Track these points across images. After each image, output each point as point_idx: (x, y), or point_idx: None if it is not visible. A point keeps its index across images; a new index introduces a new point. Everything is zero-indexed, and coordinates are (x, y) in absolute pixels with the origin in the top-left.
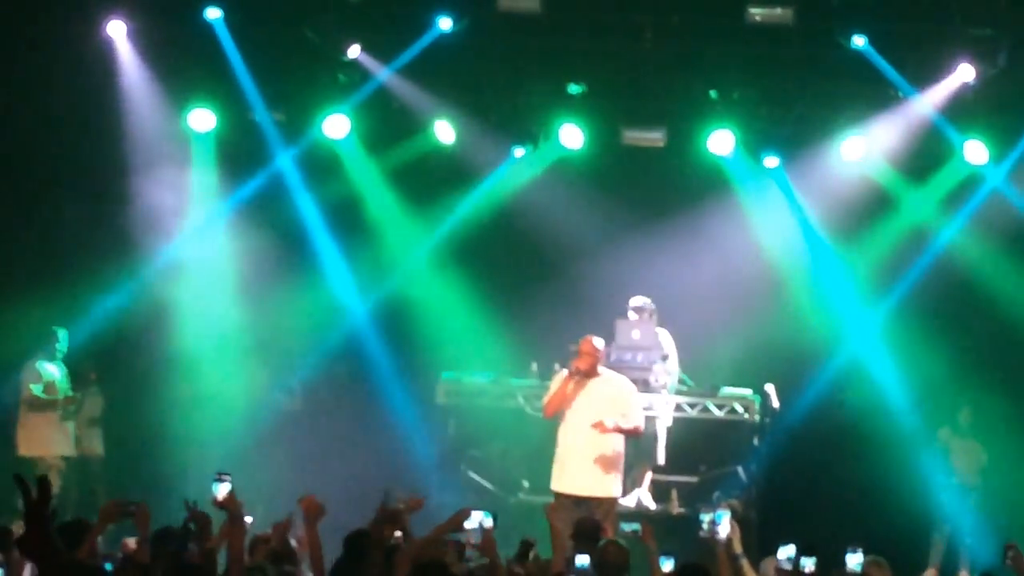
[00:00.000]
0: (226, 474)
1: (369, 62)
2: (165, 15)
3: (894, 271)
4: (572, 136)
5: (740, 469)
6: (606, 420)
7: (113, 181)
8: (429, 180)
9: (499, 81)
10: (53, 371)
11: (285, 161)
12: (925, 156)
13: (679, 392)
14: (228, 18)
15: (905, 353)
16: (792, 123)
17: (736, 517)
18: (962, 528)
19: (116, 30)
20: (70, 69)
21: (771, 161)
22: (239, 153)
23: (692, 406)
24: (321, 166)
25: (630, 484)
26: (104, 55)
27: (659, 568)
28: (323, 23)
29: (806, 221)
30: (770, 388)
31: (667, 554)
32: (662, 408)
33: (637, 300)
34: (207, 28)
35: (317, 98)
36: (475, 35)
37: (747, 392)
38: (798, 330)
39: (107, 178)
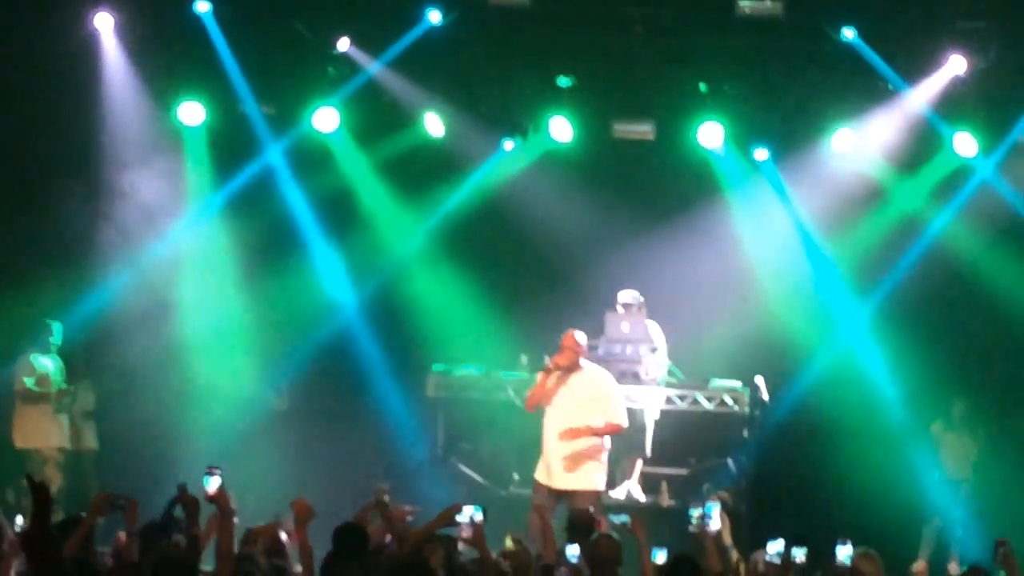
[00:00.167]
0: (216, 468)
1: (359, 55)
2: (153, 7)
3: (884, 263)
4: (562, 129)
5: (730, 461)
6: (578, 424)
7: (102, 174)
8: (419, 173)
9: (489, 74)
10: (47, 364)
11: (275, 154)
12: (915, 148)
13: (669, 384)
14: (217, 11)
15: (896, 345)
16: (782, 116)
17: (726, 509)
18: (952, 521)
19: (103, 22)
20: (56, 62)
21: (761, 154)
22: (229, 146)
23: (682, 398)
24: (311, 159)
25: (620, 476)
26: (91, 48)
27: (649, 560)
28: (312, 16)
29: (796, 214)
30: (760, 380)
31: (659, 546)
32: (651, 400)
33: (626, 293)
34: (196, 21)
35: (307, 91)
36: (464, 28)
37: (737, 384)
38: (788, 322)
39: (98, 171)
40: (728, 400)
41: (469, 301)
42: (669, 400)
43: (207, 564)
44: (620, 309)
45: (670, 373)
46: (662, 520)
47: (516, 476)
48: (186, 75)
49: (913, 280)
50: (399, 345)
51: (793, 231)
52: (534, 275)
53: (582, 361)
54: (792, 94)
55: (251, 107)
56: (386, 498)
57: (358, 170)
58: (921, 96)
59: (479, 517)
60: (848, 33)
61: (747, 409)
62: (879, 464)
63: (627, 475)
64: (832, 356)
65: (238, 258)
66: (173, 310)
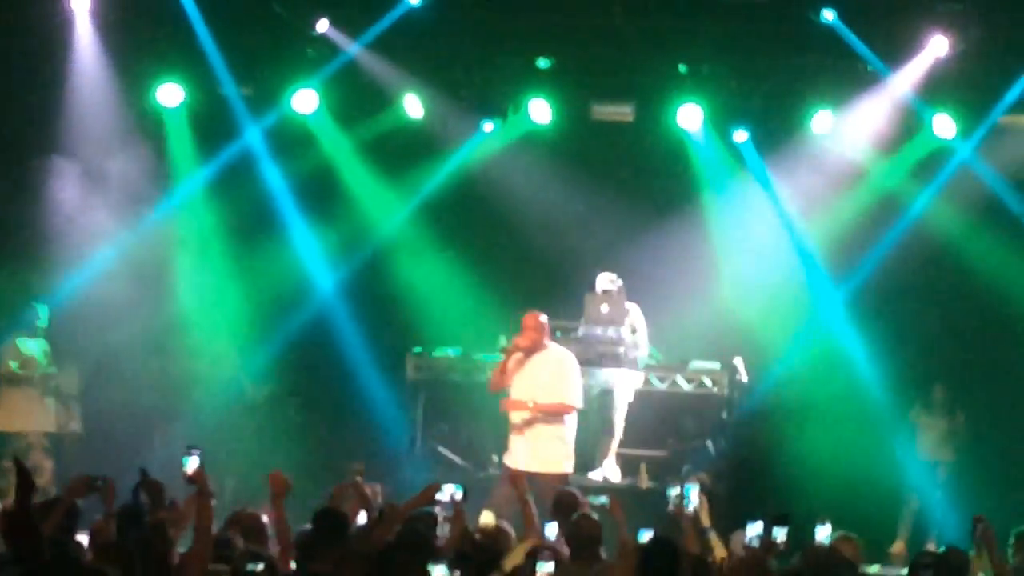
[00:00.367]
0: (196, 448)
1: (338, 36)
2: None
3: (864, 245)
4: (541, 110)
5: (709, 443)
6: (528, 402)
7: (79, 156)
8: (398, 155)
9: (468, 55)
10: (32, 347)
11: (254, 136)
12: (895, 130)
13: (648, 366)
14: None
15: (875, 326)
16: (762, 98)
17: (704, 491)
18: (931, 502)
19: (79, 2)
20: (31, 43)
21: (740, 135)
22: (208, 128)
23: (661, 380)
24: (290, 141)
25: (599, 459)
26: (64, 29)
27: (628, 540)
28: None
29: (775, 196)
30: (739, 361)
31: (639, 527)
32: (628, 382)
33: (605, 276)
34: (174, 2)
35: (286, 72)
36: (444, 9)
37: (716, 366)
38: (767, 304)
39: (75, 153)
40: (707, 382)
41: (448, 282)
42: (648, 382)
43: (185, 544)
44: (600, 291)
45: (650, 355)
46: (642, 502)
47: (495, 458)
48: (165, 56)
49: (893, 262)
50: (379, 327)
51: (773, 213)
52: (513, 256)
53: (547, 343)
54: (772, 76)
55: (230, 88)
56: (359, 479)
57: (337, 152)
58: (901, 78)
59: (459, 495)
60: (828, 15)
61: (726, 391)
62: (858, 446)
63: (603, 456)
64: (811, 338)
65: (218, 240)
66: (154, 293)
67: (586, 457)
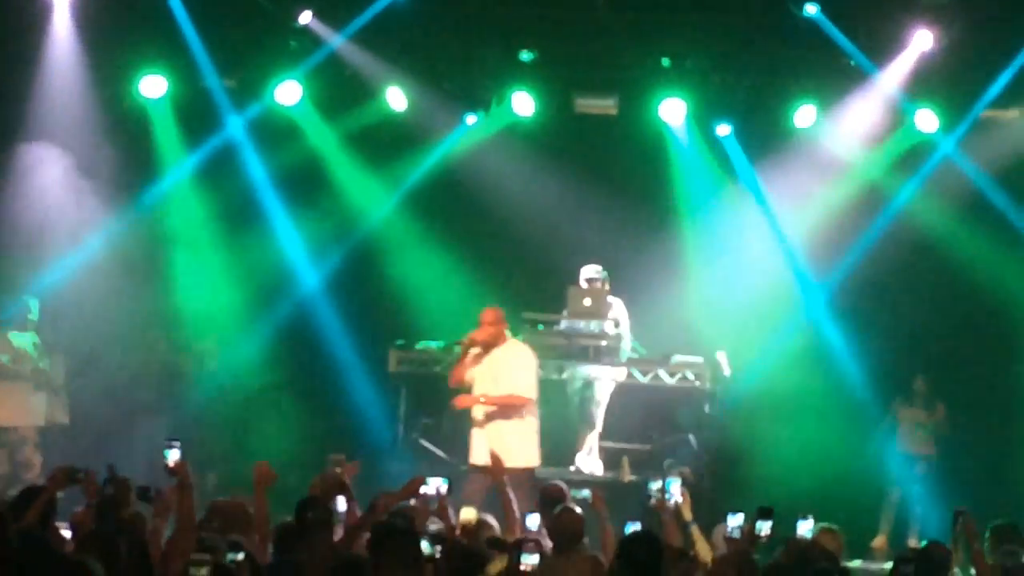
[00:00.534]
0: (176, 439)
1: (321, 28)
2: None
3: (847, 238)
4: (524, 103)
5: (691, 437)
6: (480, 397)
7: (60, 145)
8: (381, 147)
9: (451, 48)
10: (23, 341)
11: (237, 128)
12: (878, 124)
13: (631, 360)
14: None
15: (857, 320)
16: (745, 91)
17: (686, 484)
18: (912, 496)
19: None
20: (9, 33)
21: (723, 129)
22: (191, 120)
23: (644, 374)
24: (273, 133)
25: (579, 450)
26: (44, 17)
27: (610, 534)
28: None
29: (758, 189)
30: (722, 356)
31: (621, 521)
32: (609, 375)
33: (589, 268)
34: None
35: (269, 64)
36: (427, 1)
37: (699, 360)
38: (750, 298)
39: (56, 142)
40: (690, 375)
41: (432, 275)
42: (631, 375)
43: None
44: (583, 283)
45: (632, 348)
46: (624, 495)
47: None
48: (147, 47)
49: (875, 256)
50: (362, 320)
51: (755, 207)
52: (496, 249)
53: (508, 336)
54: (755, 70)
55: (213, 80)
56: (339, 470)
57: (320, 144)
58: (884, 72)
59: (444, 488)
60: (811, 9)
61: (709, 384)
62: (840, 440)
63: (579, 449)
64: (794, 331)
65: (202, 233)
66: (137, 285)
67: (567, 450)
